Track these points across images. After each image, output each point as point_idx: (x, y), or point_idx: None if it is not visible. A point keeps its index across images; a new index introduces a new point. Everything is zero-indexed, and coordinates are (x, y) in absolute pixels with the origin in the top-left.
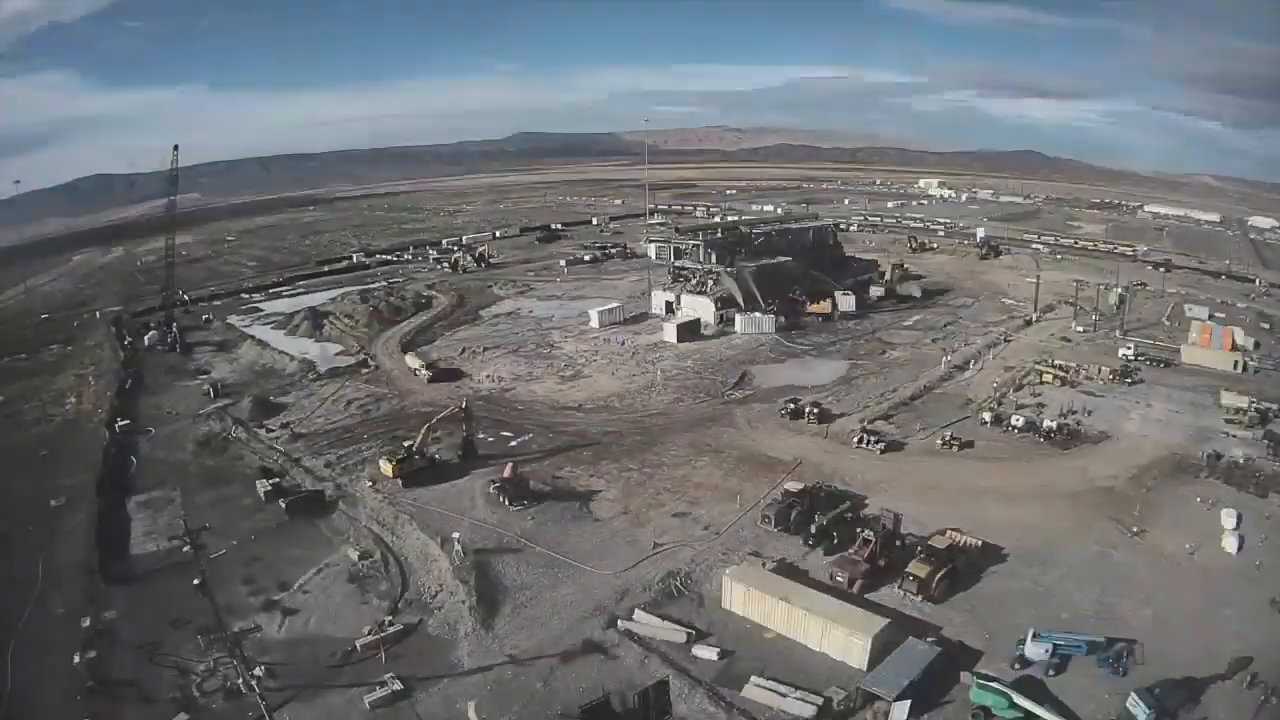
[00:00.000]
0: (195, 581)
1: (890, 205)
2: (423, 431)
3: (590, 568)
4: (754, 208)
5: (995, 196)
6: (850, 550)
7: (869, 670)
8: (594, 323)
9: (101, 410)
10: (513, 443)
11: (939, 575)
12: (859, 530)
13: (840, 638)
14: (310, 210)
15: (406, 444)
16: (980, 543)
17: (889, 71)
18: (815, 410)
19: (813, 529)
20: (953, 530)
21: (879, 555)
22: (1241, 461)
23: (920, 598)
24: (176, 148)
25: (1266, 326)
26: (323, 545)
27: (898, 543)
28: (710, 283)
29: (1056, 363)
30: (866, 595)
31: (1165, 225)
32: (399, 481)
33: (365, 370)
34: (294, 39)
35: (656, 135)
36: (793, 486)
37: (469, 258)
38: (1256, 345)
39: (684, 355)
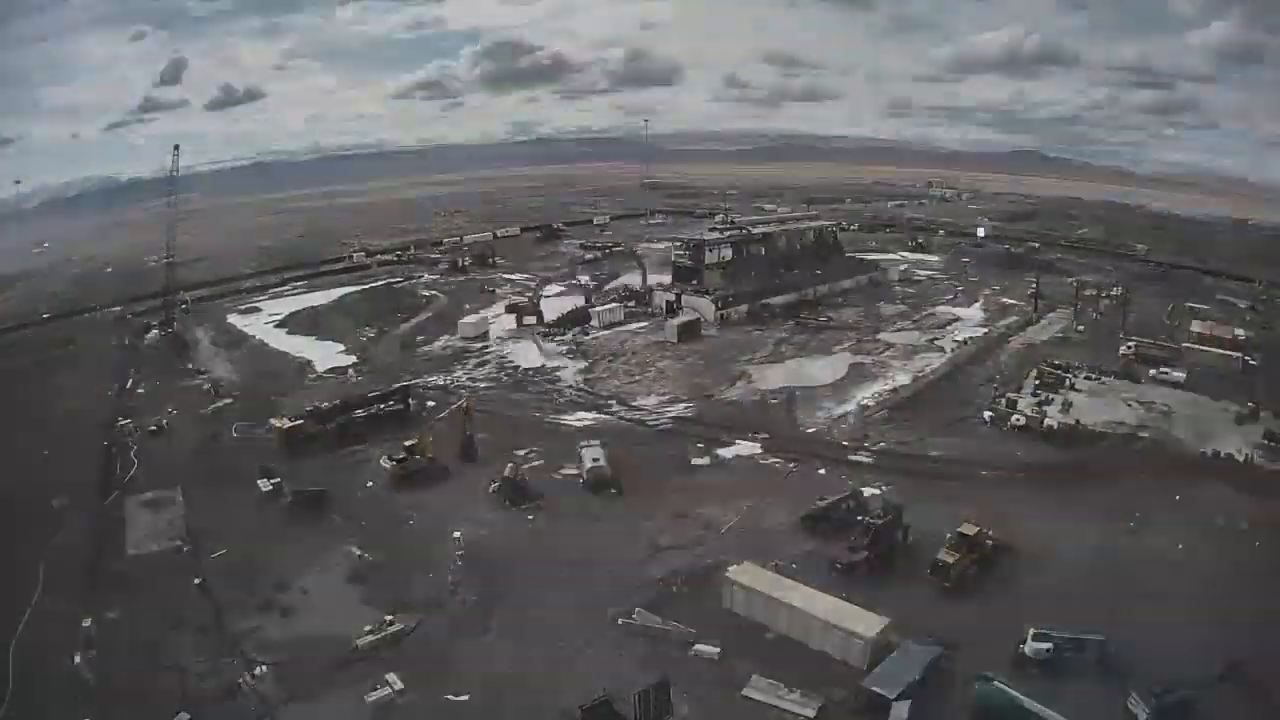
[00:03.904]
0: (196, 581)
1: (890, 205)
2: (423, 431)
3: (591, 567)
4: (754, 207)
5: (995, 195)
6: (852, 538)
7: (869, 670)
8: (594, 323)
9: (102, 410)
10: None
11: (967, 562)
12: (859, 518)
13: (841, 638)
14: (310, 210)
15: (407, 444)
16: (1004, 542)
17: None
18: None
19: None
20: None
21: (879, 542)
22: (1242, 461)
23: (949, 585)
24: (177, 148)
25: (1266, 326)
26: (323, 545)
27: (900, 536)
28: None
29: (1056, 362)
30: (872, 589)
31: (1165, 225)
32: (399, 481)
33: (367, 370)
34: None
35: (657, 136)
36: (823, 501)
37: (469, 257)
38: (1257, 345)
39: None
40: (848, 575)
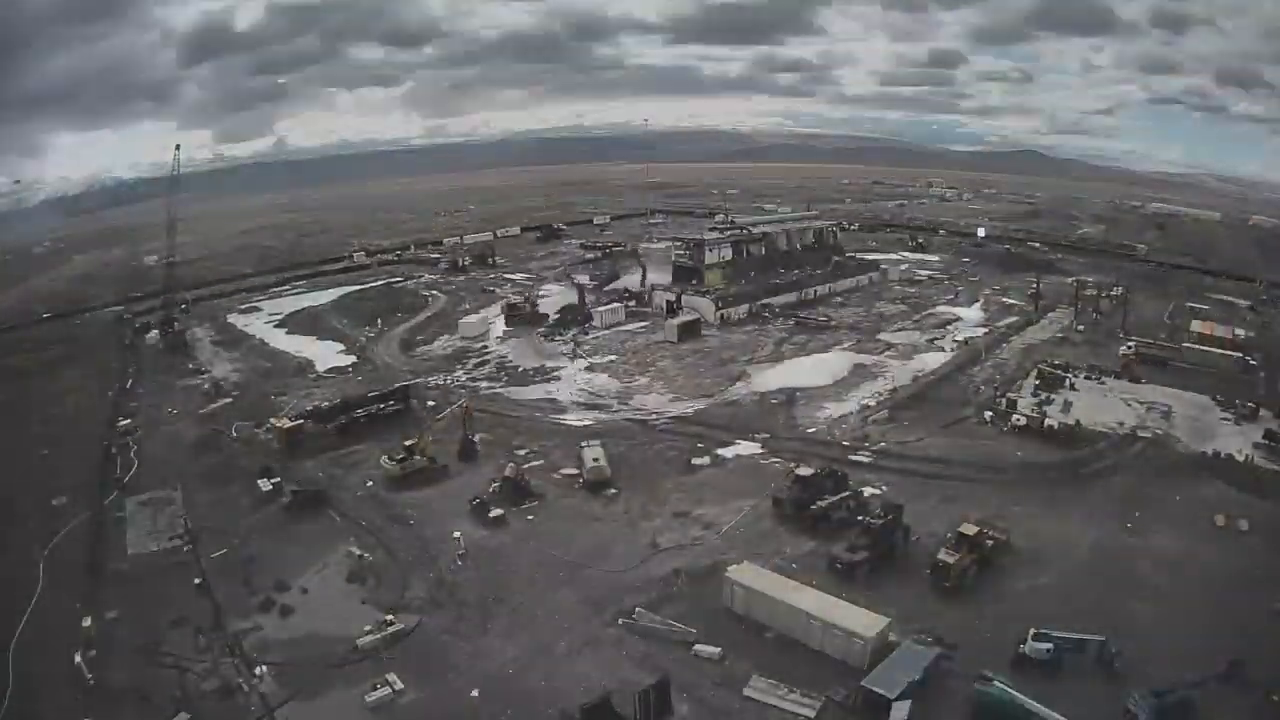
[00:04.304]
0: (196, 581)
1: (890, 205)
2: (423, 431)
3: (591, 567)
4: (754, 207)
5: (995, 195)
6: (851, 538)
7: (869, 670)
8: (595, 322)
9: (102, 410)
10: (513, 442)
11: (967, 562)
12: (860, 518)
13: (841, 637)
14: (311, 210)
15: (407, 443)
16: (1006, 532)
17: None
18: None
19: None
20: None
21: (879, 544)
22: (1242, 460)
23: (949, 585)
24: (178, 147)
25: (1266, 325)
26: (322, 544)
27: (900, 535)
28: None
29: (1056, 362)
30: (872, 590)
31: (1166, 225)
32: (399, 481)
33: (367, 369)
34: None
35: (657, 135)
36: (804, 472)
37: (469, 257)
38: (1257, 346)
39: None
40: (848, 575)
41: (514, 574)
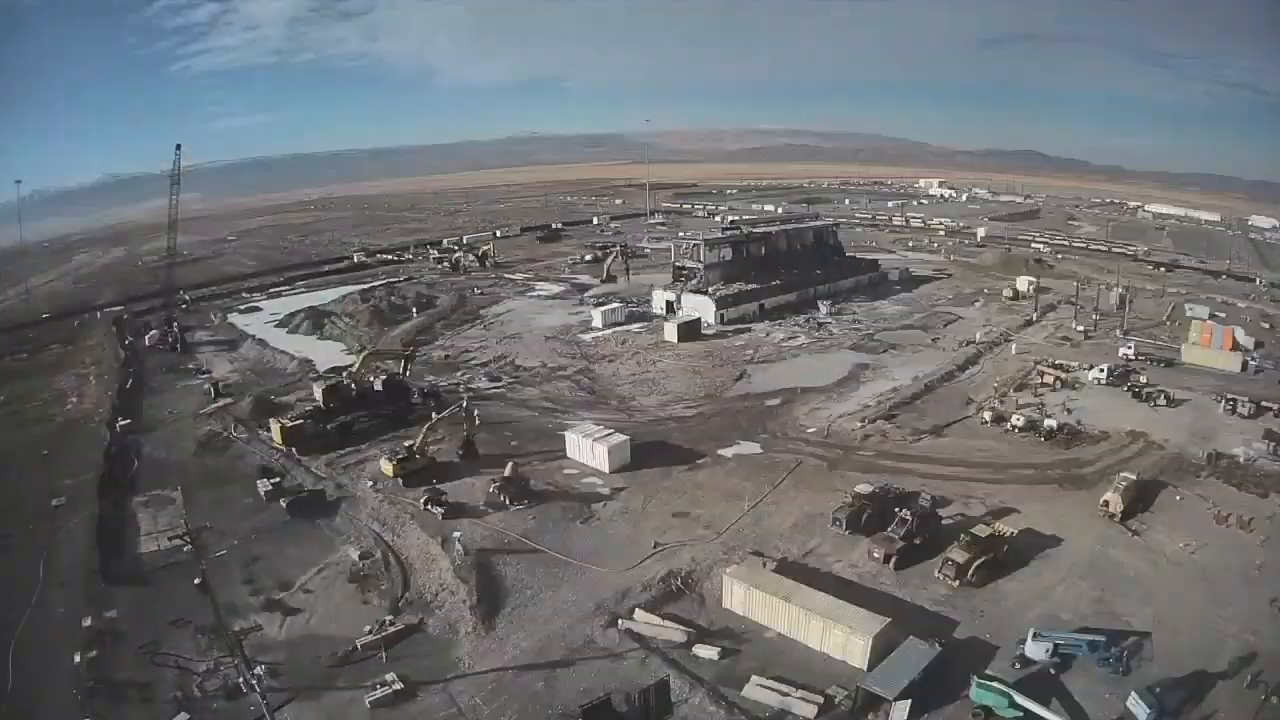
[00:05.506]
0: (196, 581)
1: (890, 205)
2: (424, 431)
3: (591, 567)
4: (754, 207)
5: (994, 195)
6: (888, 529)
7: (869, 670)
8: (597, 322)
9: (102, 410)
10: (513, 442)
11: (977, 562)
12: (897, 510)
13: (841, 637)
14: (310, 210)
15: (408, 444)
16: (1015, 531)
17: None
18: None
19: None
20: (996, 522)
21: (915, 535)
22: (1242, 461)
23: (958, 583)
24: (179, 148)
25: (1267, 326)
26: (323, 545)
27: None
28: None
29: (1057, 362)
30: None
31: (1165, 225)
32: (400, 481)
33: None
34: None
35: (657, 135)
36: (863, 489)
37: (470, 257)
38: (1258, 345)
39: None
40: (885, 565)
41: (514, 574)
